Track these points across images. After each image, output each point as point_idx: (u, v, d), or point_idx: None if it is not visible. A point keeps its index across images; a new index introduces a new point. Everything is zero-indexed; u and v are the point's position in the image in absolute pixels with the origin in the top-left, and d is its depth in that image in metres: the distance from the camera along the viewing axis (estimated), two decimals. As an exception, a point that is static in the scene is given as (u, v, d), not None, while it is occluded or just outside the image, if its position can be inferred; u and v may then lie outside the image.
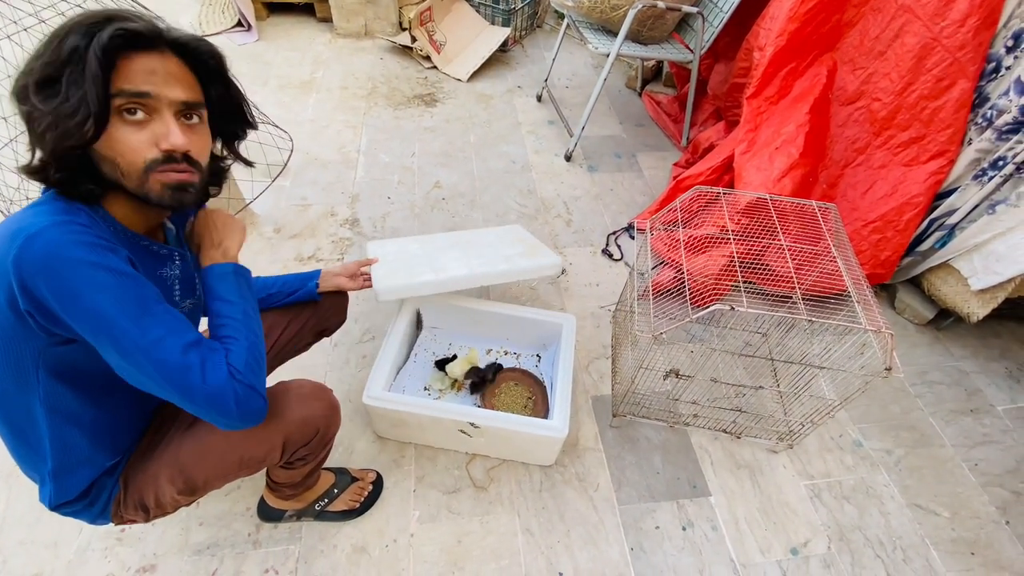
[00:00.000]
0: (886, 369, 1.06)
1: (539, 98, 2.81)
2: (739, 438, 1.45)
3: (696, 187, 1.33)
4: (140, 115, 0.66)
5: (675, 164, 2.35)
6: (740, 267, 1.63)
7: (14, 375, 0.71)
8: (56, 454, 0.78)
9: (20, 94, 0.64)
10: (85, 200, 0.69)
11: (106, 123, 0.64)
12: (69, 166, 0.66)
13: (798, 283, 1.10)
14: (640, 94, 2.90)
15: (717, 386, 1.42)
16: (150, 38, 0.66)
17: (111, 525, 0.92)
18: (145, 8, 1.78)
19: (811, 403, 1.27)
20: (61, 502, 0.82)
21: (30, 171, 0.68)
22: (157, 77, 0.66)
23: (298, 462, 0.99)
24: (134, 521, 0.90)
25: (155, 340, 0.66)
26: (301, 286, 1.17)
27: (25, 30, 1.53)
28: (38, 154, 0.67)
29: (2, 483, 1.26)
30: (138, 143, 0.66)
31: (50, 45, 0.63)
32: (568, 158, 2.41)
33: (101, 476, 0.84)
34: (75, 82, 0.61)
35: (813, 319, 0.98)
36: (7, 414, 0.76)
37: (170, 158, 0.68)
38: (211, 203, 0.94)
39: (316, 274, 1.20)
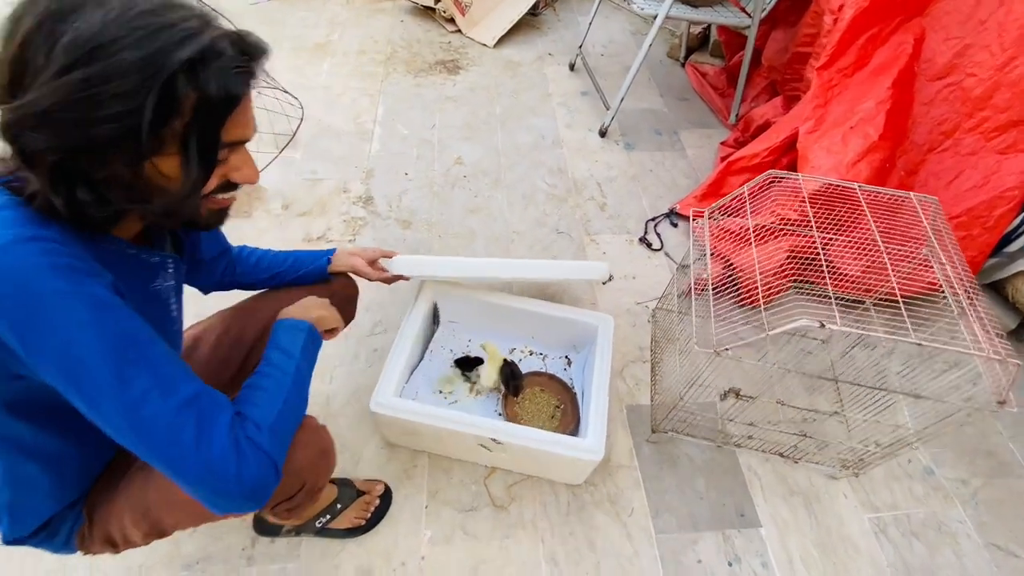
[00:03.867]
0: (999, 403, 0.87)
1: (572, 66, 2.58)
2: (796, 463, 1.28)
3: (770, 171, 1.12)
4: None
5: (722, 143, 2.12)
6: (800, 264, 1.43)
7: None
8: (11, 489, 0.68)
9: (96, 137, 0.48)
10: (96, 229, 0.57)
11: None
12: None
13: (894, 280, 0.90)
14: (683, 65, 2.65)
15: (780, 408, 1.24)
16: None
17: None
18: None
19: (885, 430, 1.09)
20: (16, 537, 0.71)
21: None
22: (249, 117, 0.59)
23: (284, 512, 0.86)
24: (102, 553, 0.78)
25: (138, 396, 0.52)
26: (312, 262, 1.05)
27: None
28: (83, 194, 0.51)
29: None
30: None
31: (130, 69, 0.47)
32: (603, 134, 2.20)
33: (63, 510, 0.72)
34: (193, 135, 0.52)
35: (923, 343, 0.79)
36: None
37: (231, 186, 0.62)
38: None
39: (331, 252, 1.07)
